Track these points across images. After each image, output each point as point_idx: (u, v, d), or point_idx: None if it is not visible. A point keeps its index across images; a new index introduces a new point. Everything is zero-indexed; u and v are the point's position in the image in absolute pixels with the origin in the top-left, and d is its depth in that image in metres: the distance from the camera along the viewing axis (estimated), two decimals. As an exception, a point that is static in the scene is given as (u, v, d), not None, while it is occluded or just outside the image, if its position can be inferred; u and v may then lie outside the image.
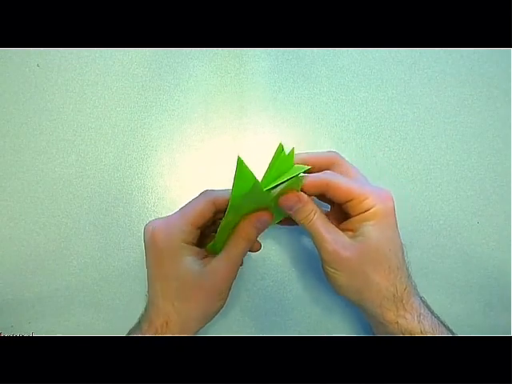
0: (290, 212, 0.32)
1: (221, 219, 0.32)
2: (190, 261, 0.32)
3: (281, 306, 0.42)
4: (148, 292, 0.34)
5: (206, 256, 0.34)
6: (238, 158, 0.27)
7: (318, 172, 0.34)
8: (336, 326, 0.41)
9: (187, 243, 0.32)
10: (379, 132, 0.45)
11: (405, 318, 0.32)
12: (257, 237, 0.33)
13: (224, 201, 0.32)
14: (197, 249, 0.33)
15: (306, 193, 0.33)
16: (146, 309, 0.34)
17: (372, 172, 0.44)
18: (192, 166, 0.44)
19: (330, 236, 0.32)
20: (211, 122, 0.45)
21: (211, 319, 0.34)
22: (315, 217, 0.32)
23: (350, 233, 0.33)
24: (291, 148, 0.29)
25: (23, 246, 0.42)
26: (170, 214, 0.43)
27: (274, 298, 0.41)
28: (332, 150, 0.36)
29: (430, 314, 0.33)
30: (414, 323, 0.31)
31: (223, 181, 0.37)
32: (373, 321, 0.34)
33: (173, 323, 0.32)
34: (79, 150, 0.44)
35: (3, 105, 0.44)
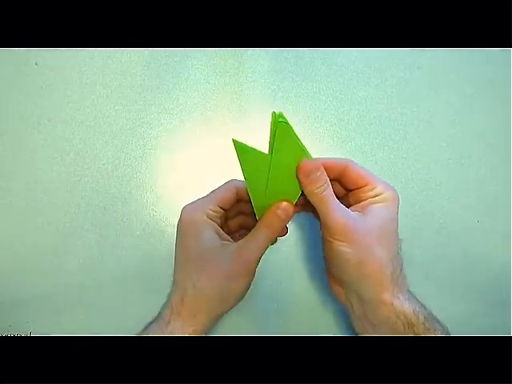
0: (307, 180, 0.32)
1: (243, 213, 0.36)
2: (210, 235, 0.33)
3: (281, 305, 0.42)
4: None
5: (228, 240, 0.35)
6: (234, 142, 0.29)
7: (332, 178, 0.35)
8: (336, 325, 0.41)
9: (210, 219, 0.34)
10: (379, 131, 0.45)
11: (398, 298, 0.32)
12: (280, 224, 0.34)
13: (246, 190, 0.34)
14: (218, 227, 0.34)
15: None
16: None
17: (372, 171, 0.44)
18: (191, 165, 0.44)
19: (341, 208, 0.33)
20: (210, 121, 0.45)
21: (229, 307, 0.34)
22: (328, 188, 0.33)
23: (358, 211, 0.34)
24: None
25: (21, 245, 0.42)
26: (169, 212, 0.43)
27: (274, 298, 0.41)
28: (344, 157, 0.36)
29: (417, 301, 0.34)
30: (406, 304, 0.32)
31: (222, 180, 0.37)
32: (367, 307, 0.34)
33: (188, 298, 0.32)
34: (78, 148, 0.44)
35: (1, 103, 0.44)
